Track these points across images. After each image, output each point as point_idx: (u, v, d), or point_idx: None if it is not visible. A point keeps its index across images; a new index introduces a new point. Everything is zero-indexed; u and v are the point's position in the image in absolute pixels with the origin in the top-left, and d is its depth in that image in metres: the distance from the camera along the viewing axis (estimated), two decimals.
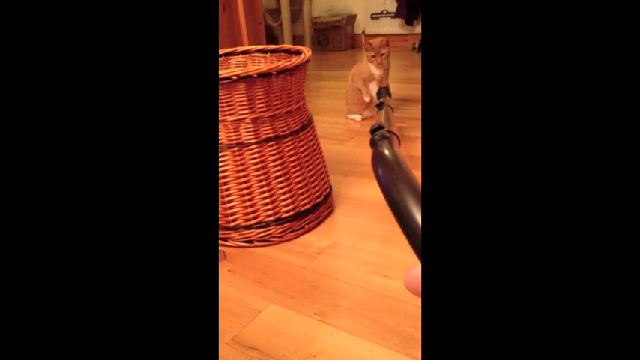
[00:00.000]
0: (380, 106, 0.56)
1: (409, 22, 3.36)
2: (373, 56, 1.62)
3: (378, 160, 0.34)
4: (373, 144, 0.38)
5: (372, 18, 3.56)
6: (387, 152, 0.35)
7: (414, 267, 0.26)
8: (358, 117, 1.74)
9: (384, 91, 0.89)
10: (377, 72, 1.64)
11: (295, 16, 3.68)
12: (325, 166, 1.06)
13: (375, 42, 1.61)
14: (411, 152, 1.37)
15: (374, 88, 1.67)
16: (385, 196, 0.30)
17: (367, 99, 1.67)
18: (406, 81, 2.39)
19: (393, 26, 3.49)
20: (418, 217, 0.27)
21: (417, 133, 1.51)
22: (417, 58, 2.99)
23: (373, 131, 0.41)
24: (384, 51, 1.61)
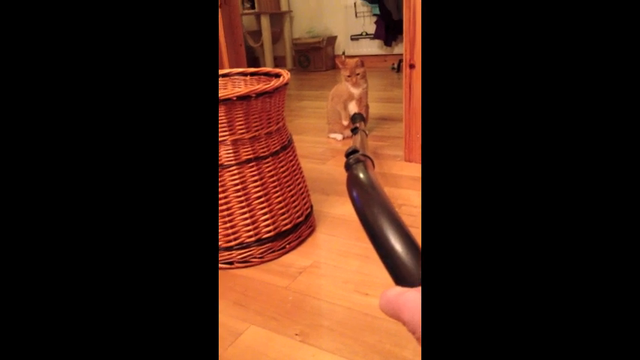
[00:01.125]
0: (354, 130, 0.58)
1: (388, 43, 3.46)
2: (349, 76, 1.66)
3: (353, 183, 0.35)
4: (348, 167, 0.39)
5: (352, 39, 3.65)
6: (361, 175, 0.36)
7: (388, 290, 0.26)
8: (339, 136, 1.77)
9: (358, 116, 0.93)
10: (355, 91, 1.68)
11: (276, 37, 3.74)
12: (306, 186, 1.07)
13: (350, 62, 1.66)
14: (391, 170, 1.39)
15: (353, 107, 1.70)
16: (360, 219, 0.31)
17: (345, 123, 1.70)
18: (386, 100, 2.44)
19: (372, 47, 3.58)
20: (392, 239, 0.28)
21: (396, 152, 1.54)
22: (396, 77, 3.06)
23: (348, 155, 0.42)
24: (359, 71, 1.65)
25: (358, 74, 1.65)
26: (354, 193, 0.34)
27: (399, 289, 0.26)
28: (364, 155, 0.42)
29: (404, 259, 0.27)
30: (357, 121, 0.83)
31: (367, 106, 1.78)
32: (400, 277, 0.27)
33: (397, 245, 0.28)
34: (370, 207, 0.31)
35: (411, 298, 0.25)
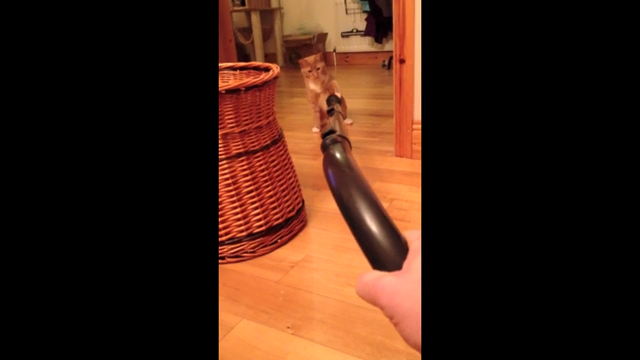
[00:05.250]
0: (330, 112, 0.56)
1: (378, 40, 3.46)
2: (309, 71, 1.68)
3: (329, 163, 0.34)
4: (324, 148, 0.38)
5: (343, 36, 3.65)
6: (338, 155, 0.35)
7: (365, 274, 0.26)
8: (315, 129, 1.82)
9: (333, 98, 0.92)
10: (315, 87, 1.71)
11: (267, 34, 3.73)
12: (297, 180, 1.06)
13: (310, 58, 1.68)
14: (382, 165, 1.40)
15: (322, 101, 1.74)
16: (336, 200, 0.30)
17: (317, 119, 1.77)
18: (377, 97, 2.44)
19: (363, 44, 3.58)
20: (369, 222, 0.27)
21: (387, 147, 1.54)
22: (387, 74, 3.07)
23: (324, 135, 0.40)
24: (319, 65, 1.68)
25: (319, 68, 1.68)
26: (330, 173, 0.33)
27: (377, 273, 0.25)
28: (341, 136, 0.40)
29: (381, 242, 0.26)
30: (333, 103, 0.81)
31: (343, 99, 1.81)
32: (377, 261, 0.26)
33: (375, 228, 0.27)
34: (347, 188, 0.30)
35: (389, 283, 0.24)
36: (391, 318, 0.24)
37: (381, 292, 0.24)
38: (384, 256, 0.26)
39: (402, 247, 0.26)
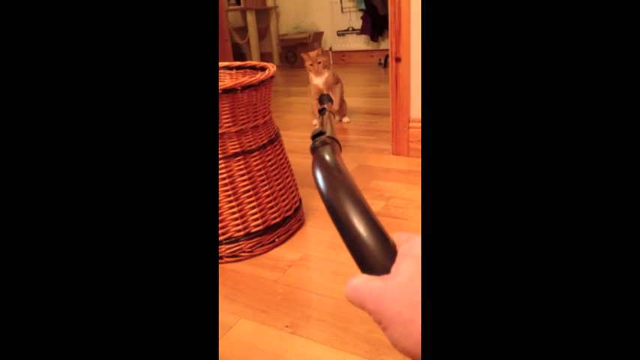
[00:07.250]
0: (322, 112, 0.55)
1: (374, 38, 3.46)
2: (311, 64, 1.70)
3: (318, 165, 0.34)
4: (313, 149, 0.38)
5: (339, 35, 3.64)
6: (327, 158, 0.35)
7: (354, 278, 0.26)
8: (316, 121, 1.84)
9: (325, 97, 0.91)
10: (318, 80, 1.73)
11: (262, 33, 3.72)
12: (294, 180, 1.07)
13: (312, 52, 1.72)
14: (379, 164, 1.40)
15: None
16: (325, 203, 0.30)
17: (315, 122, 1.75)
18: (373, 95, 2.45)
19: (358, 43, 3.58)
20: (358, 226, 0.27)
21: (384, 145, 1.54)
22: (383, 72, 3.07)
23: (314, 137, 0.40)
24: (320, 59, 1.70)
25: (320, 62, 1.70)
26: (319, 176, 0.32)
27: (365, 277, 0.25)
28: (331, 138, 0.40)
29: (369, 246, 0.26)
30: (325, 101, 0.79)
31: (344, 101, 1.81)
32: (366, 265, 0.26)
33: (363, 232, 0.26)
34: (335, 191, 0.30)
35: (376, 287, 0.24)
36: (379, 323, 0.24)
37: (369, 296, 0.24)
38: (372, 260, 0.25)
39: (390, 251, 0.26)
